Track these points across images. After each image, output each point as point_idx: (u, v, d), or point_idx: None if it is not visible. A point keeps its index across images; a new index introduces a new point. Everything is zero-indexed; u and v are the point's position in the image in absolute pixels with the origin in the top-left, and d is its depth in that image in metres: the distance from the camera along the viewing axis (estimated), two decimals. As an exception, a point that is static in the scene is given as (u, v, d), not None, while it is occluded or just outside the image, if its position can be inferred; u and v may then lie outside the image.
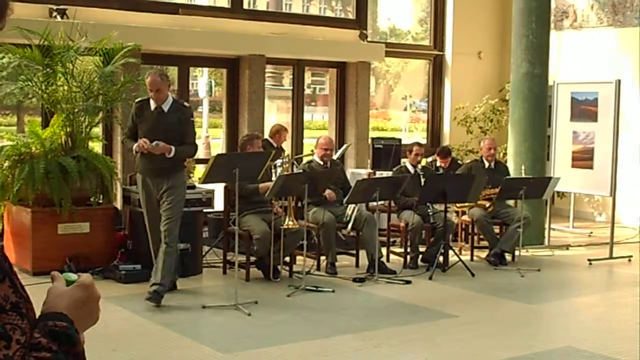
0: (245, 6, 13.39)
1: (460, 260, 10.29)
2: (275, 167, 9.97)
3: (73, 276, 1.72)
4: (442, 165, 12.01)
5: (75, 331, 1.63)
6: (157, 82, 8.28)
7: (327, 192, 10.03)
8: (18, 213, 9.61)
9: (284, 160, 10.21)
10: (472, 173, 10.91)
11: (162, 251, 8.27)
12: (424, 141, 15.10)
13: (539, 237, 12.19)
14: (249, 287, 9.11)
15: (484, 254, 11.13)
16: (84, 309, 1.71)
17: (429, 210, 10.48)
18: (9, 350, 1.44)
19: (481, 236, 11.40)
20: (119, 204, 10.61)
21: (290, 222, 9.27)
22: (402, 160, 12.26)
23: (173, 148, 8.20)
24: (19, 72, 9.59)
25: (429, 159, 12.47)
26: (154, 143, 8.14)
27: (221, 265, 9.97)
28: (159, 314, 7.94)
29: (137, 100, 8.75)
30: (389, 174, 11.43)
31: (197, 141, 8.74)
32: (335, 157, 11.12)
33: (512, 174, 11.67)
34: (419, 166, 11.04)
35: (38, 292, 1.90)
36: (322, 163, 10.35)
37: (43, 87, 9.73)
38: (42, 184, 9.25)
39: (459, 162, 12.59)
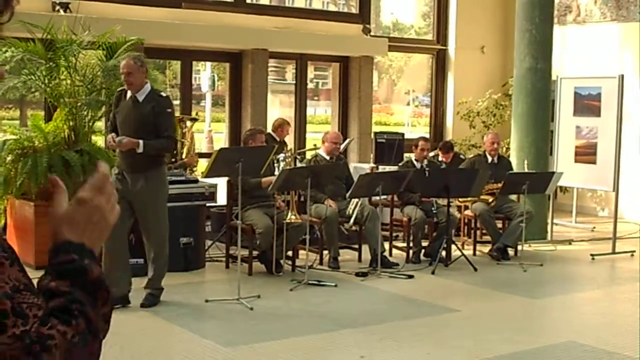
0: (248, 0, 13.38)
1: (463, 254, 10.28)
2: (278, 161, 9.97)
3: None
4: (445, 160, 12.01)
5: (87, 254, 1.60)
6: (129, 64, 7.79)
7: (329, 202, 10.02)
8: (21, 207, 9.62)
9: (287, 154, 10.21)
10: (475, 168, 10.91)
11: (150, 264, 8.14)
12: (427, 135, 15.08)
13: (542, 232, 12.18)
14: (251, 281, 9.12)
15: (486, 248, 11.13)
16: (90, 225, 1.63)
17: (432, 208, 10.48)
18: (27, 327, 1.45)
19: (484, 231, 11.39)
20: (121, 198, 10.61)
21: (293, 217, 9.27)
22: (407, 155, 12.25)
23: (141, 142, 7.67)
24: (22, 66, 9.60)
25: (432, 154, 12.46)
26: (118, 139, 7.68)
27: (224, 259, 9.98)
28: (162, 308, 7.95)
29: (117, 89, 8.38)
30: (391, 168, 11.43)
31: (173, 134, 8.26)
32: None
33: (515, 168, 11.66)
34: (425, 161, 11.01)
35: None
36: (328, 158, 10.35)
37: (46, 81, 9.73)
38: (45, 178, 9.25)
39: (462, 156, 12.58)
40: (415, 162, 10.93)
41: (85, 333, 1.52)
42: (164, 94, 8.18)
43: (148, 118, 7.78)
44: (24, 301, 1.46)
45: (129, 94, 7.89)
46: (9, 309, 1.43)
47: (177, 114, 12.32)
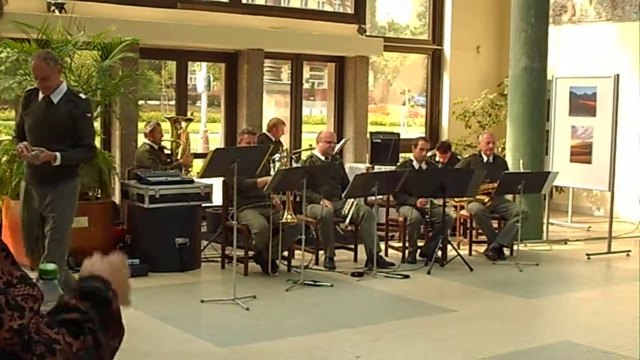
0: (244, 0, 13.37)
1: (459, 254, 10.29)
2: (273, 161, 9.97)
3: (50, 266, 1.72)
4: (442, 160, 11.99)
5: (111, 292, 1.65)
6: (41, 67, 6.83)
7: (324, 202, 10.02)
8: (16, 208, 9.57)
9: (282, 154, 10.21)
10: (471, 167, 10.91)
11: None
12: (425, 136, 15.07)
13: (538, 232, 12.19)
14: (247, 281, 9.11)
15: (482, 248, 11.14)
16: (120, 275, 1.75)
17: (426, 211, 10.48)
18: (24, 320, 1.45)
19: (479, 231, 11.39)
20: (117, 198, 10.61)
21: (289, 216, 9.27)
22: (405, 155, 12.26)
23: (58, 155, 6.77)
24: (17, 66, 9.58)
25: (429, 154, 12.46)
26: (33, 152, 6.64)
27: (219, 259, 9.97)
28: (157, 308, 7.94)
29: (26, 89, 7.57)
30: (387, 168, 11.42)
31: (93, 142, 7.39)
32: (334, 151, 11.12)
33: (511, 168, 11.67)
34: (424, 162, 10.98)
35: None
36: (323, 158, 10.35)
37: (41, 82, 9.70)
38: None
39: (458, 157, 12.58)
40: (414, 162, 10.92)
41: (92, 351, 1.54)
42: (83, 96, 7.29)
43: (64, 122, 6.90)
44: (19, 294, 1.47)
45: (41, 94, 7.01)
46: (3, 303, 1.43)
47: (173, 114, 12.34)
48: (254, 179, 9.25)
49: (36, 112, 7.00)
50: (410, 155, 11.13)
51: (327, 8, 16.99)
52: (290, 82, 14.24)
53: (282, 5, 15.81)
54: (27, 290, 1.48)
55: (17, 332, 1.43)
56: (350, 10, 14.67)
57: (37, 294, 1.50)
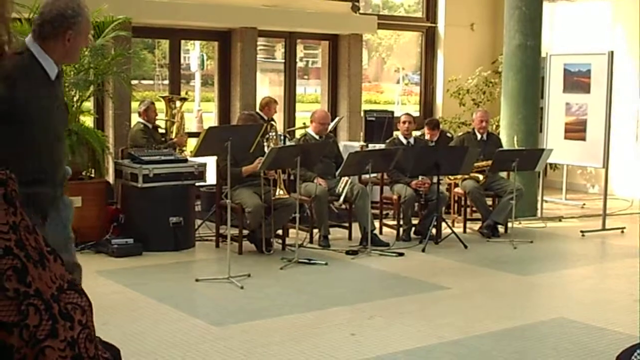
0: (237, -22, 13.31)
1: (453, 232, 10.29)
2: (267, 139, 9.96)
3: None
4: (430, 137, 11.95)
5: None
6: None
7: (318, 180, 10.02)
8: (10, 187, 9.57)
9: (271, 133, 10.21)
10: (465, 145, 10.91)
11: None
12: (416, 114, 15.08)
13: (532, 209, 12.20)
14: (241, 260, 9.11)
15: (476, 226, 11.15)
16: None
17: (421, 192, 10.50)
18: (74, 332, 1.42)
19: (474, 208, 11.40)
20: (111, 178, 10.59)
21: (281, 191, 9.29)
22: (395, 132, 12.25)
23: None
24: (8, 45, 9.53)
25: (418, 133, 12.45)
26: None
27: (214, 238, 9.97)
28: (152, 287, 7.94)
29: None
30: (381, 146, 11.42)
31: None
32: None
33: (505, 145, 11.66)
34: (412, 138, 11.02)
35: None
36: (317, 137, 10.34)
37: (33, 61, 9.65)
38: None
39: (448, 134, 12.57)
40: (402, 139, 10.93)
41: None
42: None
43: None
44: (69, 301, 1.44)
45: None
46: (57, 312, 1.40)
47: (166, 93, 12.31)
48: (239, 169, 9.22)
49: None
50: (397, 134, 11.14)
51: (321, -14, 16.90)
52: (284, 60, 14.19)
53: (276, -17, 15.72)
54: (76, 299, 1.46)
55: (69, 344, 1.40)
56: (343, -12, 14.60)
57: (85, 305, 1.48)
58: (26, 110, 4.16)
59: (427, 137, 11.64)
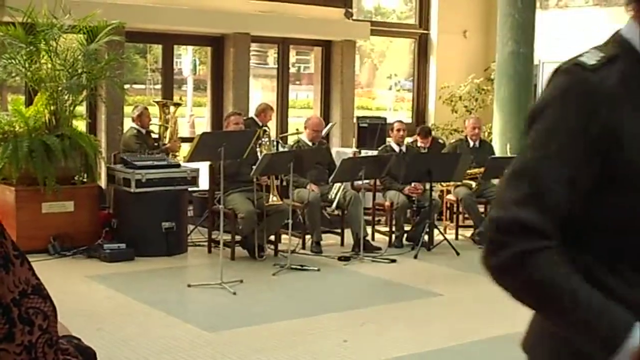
0: (230, -16, 13.31)
1: (445, 239, 10.31)
2: (260, 145, 9.97)
3: None
4: (423, 144, 11.97)
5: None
6: None
7: (311, 186, 10.03)
8: (2, 192, 9.56)
9: (264, 139, 10.22)
10: (457, 152, 10.93)
11: None
12: (409, 120, 15.10)
13: (524, 216, 12.19)
14: (234, 265, 9.11)
15: (469, 232, 11.17)
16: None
17: (414, 199, 10.51)
18: (32, 336, 1.42)
19: (466, 215, 11.41)
20: (103, 182, 10.58)
21: (275, 198, 9.30)
22: (387, 139, 12.26)
23: None
24: (2, 50, 9.54)
25: (410, 139, 12.47)
26: None
27: (206, 244, 9.97)
28: (144, 293, 7.93)
29: None
30: (374, 153, 11.43)
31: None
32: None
33: (498, 153, 11.68)
34: (404, 145, 11.03)
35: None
36: (310, 143, 10.35)
37: (27, 65, 9.66)
38: (26, 163, 9.21)
39: (440, 141, 12.60)
40: (394, 146, 10.95)
41: None
42: None
43: None
44: (31, 306, 1.44)
45: None
46: (16, 317, 1.40)
47: (158, 98, 12.30)
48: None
49: None
50: (390, 141, 11.16)
51: (314, -8, 16.91)
52: (276, 66, 14.21)
53: (269, -11, 15.73)
54: (38, 304, 1.46)
55: (26, 349, 1.41)
56: (337, -6, 14.61)
57: (48, 310, 1.48)
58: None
59: (419, 144, 11.67)
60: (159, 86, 13.55)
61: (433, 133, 12.19)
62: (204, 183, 10.36)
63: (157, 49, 12.93)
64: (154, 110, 11.53)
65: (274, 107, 13.18)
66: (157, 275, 8.65)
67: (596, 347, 1.77)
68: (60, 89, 9.69)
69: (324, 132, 11.27)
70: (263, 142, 10.22)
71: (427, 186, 10.27)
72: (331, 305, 7.67)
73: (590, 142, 1.80)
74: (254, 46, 13.96)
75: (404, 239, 10.53)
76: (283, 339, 6.59)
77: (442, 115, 15.10)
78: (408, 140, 12.16)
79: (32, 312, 1.42)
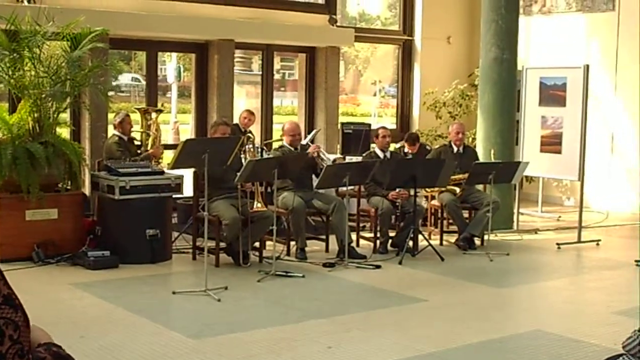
0: (214, -10, 13.32)
1: (430, 244, 10.32)
2: (244, 152, 9.96)
3: None
4: (410, 151, 12.03)
5: None
6: None
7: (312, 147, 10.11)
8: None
9: (248, 146, 10.21)
10: (441, 158, 10.95)
11: None
12: (393, 126, 15.13)
13: (508, 222, 12.25)
14: (218, 272, 9.10)
15: (453, 238, 11.18)
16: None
17: (397, 204, 10.52)
18: (2, 347, 1.41)
19: (450, 221, 11.44)
20: (87, 190, 10.55)
21: (259, 204, 9.29)
22: (372, 145, 12.28)
23: None
24: (-14, 57, 9.50)
25: (397, 145, 12.50)
26: None
27: (191, 251, 9.95)
28: (128, 300, 7.91)
29: None
30: (358, 159, 11.44)
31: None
32: (304, 142, 11.12)
33: (482, 158, 11.71)
34: (388, 151, 11.05)
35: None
36: (292, 148, 10.34)
37: (10, 73, 9.63)
38: (10, 170, 9.17)
39: (427, 147, 12.63)
40: (379, 152, 10.96)
41: None
42: None
43: None
44: (2, 316, 1.43)
45: None
46: None
47: (143, 105, 12.28)
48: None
49: None
50: (374, 147, 11.17)
51: (298, -2, 16.94)
52: (261, 72, 14.21)
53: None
54: (10, 314, 1.45)
55: None
56: (321, 0, 14.64)
57: (19, 320, 1.47)
58: None
59: (407, 150, 11.70)
60: (143, 93, 13.53)
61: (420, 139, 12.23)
62: (188, 190, 10.34)
63: (141, 55, 12.90)
64: (137, 117, 11.52)
65: (259, 114, 13.20)
66: (142, 283, 8.63)
67: None
68: (44, 96, 9.66)
69: (308, 138, 11.27)
70: (247, 149, 10.22)
71: (412, 192, 10.28)
72: (316, 311, 7.66)
73: None
74: (238, 53, 13.99)
75: (388, 245, 10.54)
76: (268, 345, 6.58)
77: (426, 121, 15.14)
78: (396, 146, 12.20)
79: (3, 322, 1.41)
